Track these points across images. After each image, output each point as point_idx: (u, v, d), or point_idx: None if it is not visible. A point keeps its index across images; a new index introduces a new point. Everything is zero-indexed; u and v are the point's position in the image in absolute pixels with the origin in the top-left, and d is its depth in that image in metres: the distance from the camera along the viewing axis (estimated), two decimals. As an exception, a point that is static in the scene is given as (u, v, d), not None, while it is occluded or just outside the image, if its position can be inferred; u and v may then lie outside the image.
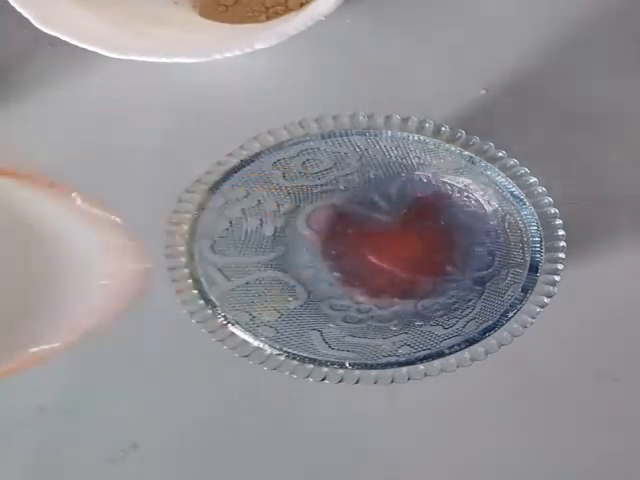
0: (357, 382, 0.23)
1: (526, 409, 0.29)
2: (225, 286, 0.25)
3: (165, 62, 0.30)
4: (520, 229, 0.25)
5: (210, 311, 0.24)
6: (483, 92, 0.33)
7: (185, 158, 0.31)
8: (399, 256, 0.28)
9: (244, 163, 0.25)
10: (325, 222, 0.28)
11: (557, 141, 0.32)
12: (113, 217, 0.31)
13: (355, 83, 0.34)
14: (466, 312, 0.26)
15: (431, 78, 0.33)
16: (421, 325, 0.26)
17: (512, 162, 0.25)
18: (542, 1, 0.34)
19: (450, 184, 0.28)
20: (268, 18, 0.35)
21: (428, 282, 0.28)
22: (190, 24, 0.35)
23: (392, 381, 0.23)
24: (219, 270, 0.25)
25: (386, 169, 0.28)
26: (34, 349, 0.30)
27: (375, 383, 0.23)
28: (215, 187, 0.25)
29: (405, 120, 0.25)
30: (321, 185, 0.28)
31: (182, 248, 0.24)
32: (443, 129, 0.25)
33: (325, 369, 0.23)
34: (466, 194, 0.28)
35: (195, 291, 0.24)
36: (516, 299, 0.24)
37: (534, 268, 0.24)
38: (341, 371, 0.23)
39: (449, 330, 0.25)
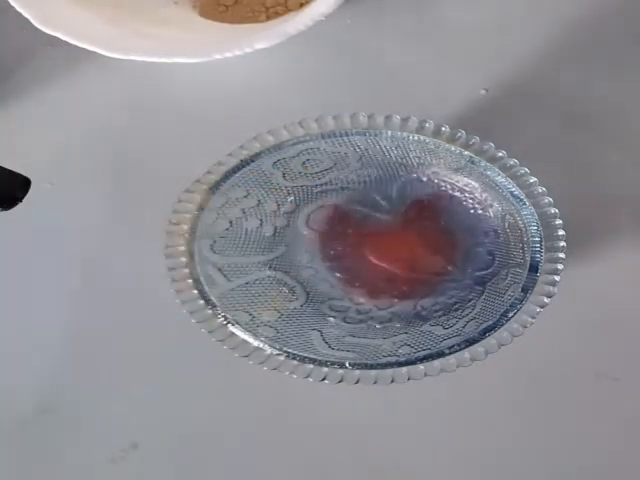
0: (357, 382, 0.23)
1: (526, 409, 0.29)
2: (225, 286, 0.25)
3: (165, 62, 0.30)
4: (520, 229, 0.25)
5: (210, 311, 0.24)
6: (483, 92, 0.33)
7: (185, 158, 0.31)
8: (399, 256, 0.28)
9: (244, 163, 0.25)
10: (325, 222, 0.28)
11: (557, 141, 0.32)
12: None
13: (355, 83, 0.34)
14: (466, 312, 0.26)
15: (431, 78, 0.33)
16: (421, 325, 0.26)
17: (512, 162, 0.25)
18: (542, 1, 0.34)
19: (450, 184, 0.28)
20: (268, 18, 0.35)
21: (428, 282, 0.28)
22: (190, 24, 0.35)
23: (392, 381, 0.23)
24: (219, 270, 0.25)
25: (386, 169, 0.28)
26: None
27: (375, 383, 0.23)
28: (215, 187, 0.25)
29: (405, 120, 0.25)
30: (321, 185, 0.28)
31: (182, 248, 0.24)
32: (443, 129, 0.25)
33: (325, 369, 0.23)
34: (466, 194, 0.28)
35: (195, 291, 0.24)
36: (516, 299, 0.24)
37: (534, 268, 0.24)
38: (341, 371, 0.23)
39: (449, 330, 0.25)
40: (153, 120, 0.34)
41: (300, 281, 0.27)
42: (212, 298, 0.24)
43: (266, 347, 0.24)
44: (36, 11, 0.31)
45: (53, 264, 0.32)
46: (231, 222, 0.26)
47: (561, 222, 0.25)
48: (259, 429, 0.30)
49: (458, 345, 0.24)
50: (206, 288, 0.24)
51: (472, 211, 0.28)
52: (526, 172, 0.25)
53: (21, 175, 0.25)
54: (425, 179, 0.28)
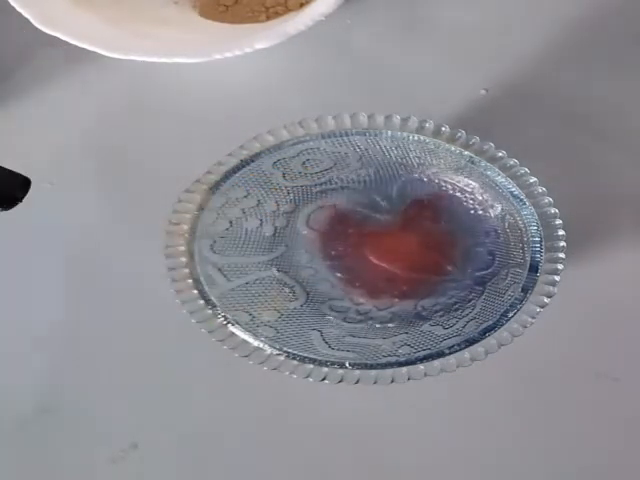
0: (357, 382, 0.23)
1: (526, 409, 0.29)
2: (225, 286, 0.25)
3: (165, 62, 0.30)
4: (520, 229, 0.25)
5: (210, 311, 0.24)
6: (483, 92, 0.33)
7: (185, 158, 0.31)
8: (399, 256, 0.28)
9: (244, 163, 0.25)
10: (325, 222, 0.28)
11: (557, 141, 0.32)
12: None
13: (355, 83, 0.34)
14: (466, 312, 0.26)
15: (431, 78, 0.33)
16: (421, 325, 0.26)
17: (512, 162, 0.25)
18: (542, 1, 0.34)
19: (450, 184, 0.28)
20: (268, 18, 0.35)
21: (428, 282, 0.28)
22: (190, 24, 0.35)
23: (392, 381, 0.23)
24: (219, 270, 0.25)
25: (386, 169, 0.28)
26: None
27: (375, 383, 0.23)
28: (215, 187, 0.25)
29: (405, 120, 0.25)
30: (321, 185, 0.28)
31: (182, 248, 0.24)
32: (443, 129, 0.25)
33: (325, 369, 0.23)
34: (466, 194, 0.28)
35: (195, 291, 0.24)
36: (516, 299, 0.24)
37: (534, 268, 0.24)
38: (341, 371, 0.23)
39: (449, 330, 0.25)
40: (153, 120, 0.34)
41: (300, 281, 0.27)
42: (212, 298, 0.24)
43: (266, 347, 0.24)
44: (36, 11, 0.31)
45: (53, 264, 0.32)
46: (231, 222, 0.26)
47: (561, 222, 0.25)
48: (259, 429, 0.30)
49: (458, 345, 0.24)
50: (206, 288, 0.24)
51: (472, 211, 0.28)
52: (526, 172, 0.25)
53: (21, 175, 0.25)
54: (425, 179, 0.28)
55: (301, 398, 0.29)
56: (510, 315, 0.24)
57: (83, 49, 0.30)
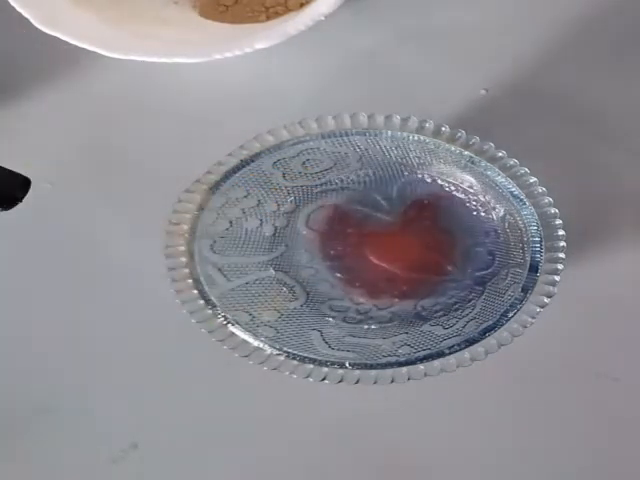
0: (357, 382, 0.23)
1: (526, 409, 0.29)
2: (225, 286, 0.25)
3: (165, 62, 0.30)
4: (520, 229, 0.25)
5: (210, 311, 0.24)
6: (483, 92, 0.33)
7: (185, 158, 0.31)
8: (399, 256, 0.28)
9: (244, 163, 0.25)
10: (325, 222, 0.28)
11: (557, 141, 0.32)
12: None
13: (355, 83, 0.34)
14: (466, 312, 0.26)
15: (431, 78, 0.33)
16: (421, 325, 0.26)
17: (512, 162, 0.25)
18: (542, 1, 0.34)
19: (450, 184, 0.28)
20: (268, 18, 0.35)
21: (428, 282, 0.28)
22: (190, 24, 0.35)
23: (392, 381, 0.23)
24: (219, 270, 0.25)
25: (386, 169, 0.28)
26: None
27: (375, 383, 0.23)
28: (215, 187, 0.25)
29: (405, 120, 0.25)
30: (321, 185, 0.28)
31: (182, 248, 0.24)
32: (443, 129, 0.25)
33: (325, 369, 0.23)
34: (466, 194, 0.28)
35: (195, 291, 0.24)
36: (516, 299, 0.24)
37: (534, 268, 0.24)
38: (341, 371, 0.23)
39: (449, 330, 0.25)
40: (153, 120, 0.34)
41: (300, 281, 0.27)
42: (212, 298, 0.24)
43: (266, 347, 0.24)
44: (36, 11, 0.31)
45: (53, 264, 0.32)
46: (231, 222, 0.26)
47: (561, 222, 0.25)
48: (259, 429, 0.30)
49: (458, 345, 0.24)
50: (206, 288, 0.24)
51: (472, 211, 0.28)
52: (526, 172, 0.25)
53: (21, 175, 0.25)
54: (425, 179, 0.28)
55: (301, 398, 0.29)
56: (510, 315, 0.24)
57: (83, 49, 0.30)
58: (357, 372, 0.23)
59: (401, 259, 0.28)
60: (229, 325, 0.24)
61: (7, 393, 0.31)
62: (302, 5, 0.34)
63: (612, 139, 0.32)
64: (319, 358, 0.24)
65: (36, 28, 0.30)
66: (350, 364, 0.24)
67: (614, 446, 0.29)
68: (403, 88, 0.33)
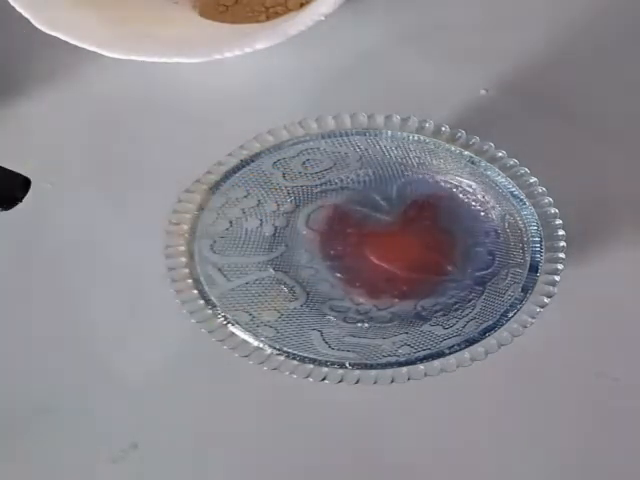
0: (357, 382, 0.23)
1: (526, 409, 0.29)
2: (225, 286, 0.25)
3: (165, 62, 0.30)
4: (520, 229, 0.25)
5: (210, 311, 0.24)
6: (483, 92, 0.33)
7: (185, 158, 0.31)
8: (399, 256, 0.28)
9: (244, 163, 0.25)
10: (325, 222, 0.28)
11: (557, 141, 0.32)
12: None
13: (355, 83, 0.34)
14: (466, 312, 0.26)
15: (431, 78, 0.33)
16: (421, 325, 0.26)
17: (512, 162, 0.25)
18: (542, 1, 0.34)
19: (450, 184, 0.28)
20: (268, 18, 0.35)
21: (428, 282, 0.28)
22: (190, 24, 0.35)
23: (392, 381, 0.23)
24: (219, 270, 0.25)
25: (386, 169, 0.28)
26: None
27: (375, 383, 0.23)
28: (215, 187, 0.25)
29: (405, 120, 0.25)
30: (321, 185, 0.28)
31: (182, 248, 0.24)
32: (443, 129, 0.25)
33: (325, 369, 0.23)
34: (466, 194, 0.28)
35: (195, 291, 0.24)
36: (516, 299, 0.24)
37: (534, 268, 0.24)
38: (341, 371, 0.23)
39: (449, 330, 0.25)
40: (153, 120, 0.34)
41: (300, 281, 0.27)
42: (212, 298, 0.24)
43: (266, 347, 0.24)
44: (36, 11, 0.31)
45: (53, 264, 0.32)
46: (231, 222, 0.26)
47: (561, 222, 0.25)
48: (259, 429, 0.30)
49: (458, 345, 0.24)
50: (206, 288, 0.24)
51: (472, 211, 0.28)
52: (526, 172, 0.25)
53: (21, 175, 0.25)
54: (425, 179, 0.28)
55: (301, 398, 0.29)
56: (510, 315, 0.24)
57: (83, 49, 0.30)
58: (357, 372, 0.23)
59: (401, 259, 0.28)
60: (229, 325, 0.24)
61: (7, 393, 0.31)
62: (302, 5, 0.34)
63: (612, 139, 0.32)
64: (319, 358, 0.24)
65: (36, 28, 0.30)
66: (350, 364, 0.24)
67: (614, 446, 0.29)
68: (403, 88, 0.33)
